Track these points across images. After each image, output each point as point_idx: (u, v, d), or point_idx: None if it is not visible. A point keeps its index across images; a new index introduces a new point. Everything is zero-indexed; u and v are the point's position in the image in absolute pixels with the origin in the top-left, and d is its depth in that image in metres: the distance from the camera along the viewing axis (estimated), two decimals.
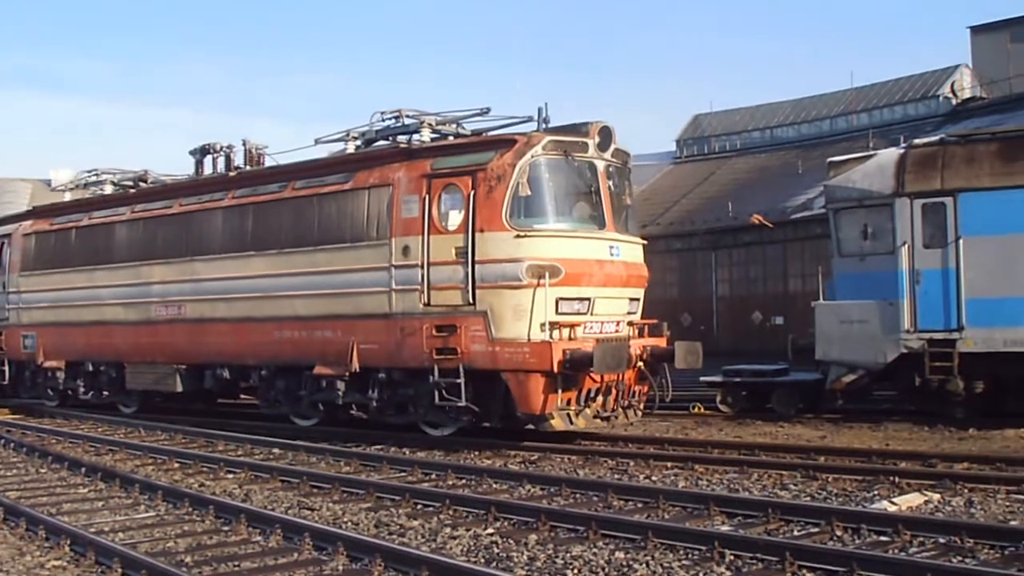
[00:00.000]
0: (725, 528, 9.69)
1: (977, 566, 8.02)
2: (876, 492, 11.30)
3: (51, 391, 22.77)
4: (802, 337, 19.18)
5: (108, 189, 22.23)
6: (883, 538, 9.03)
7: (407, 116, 17.10)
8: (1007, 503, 10.57)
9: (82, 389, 21.70)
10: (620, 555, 8.75)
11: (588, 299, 15.04)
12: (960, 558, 8.33)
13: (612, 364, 14.39)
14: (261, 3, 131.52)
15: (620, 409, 15.45)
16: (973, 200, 15.65)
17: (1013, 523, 9.64)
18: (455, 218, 15.17)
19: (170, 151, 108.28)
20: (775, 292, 37.94)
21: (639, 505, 10.89)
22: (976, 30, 54.72)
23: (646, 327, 16.14)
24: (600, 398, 15.17)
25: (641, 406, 15.99)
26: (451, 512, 10.70)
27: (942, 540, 8.80)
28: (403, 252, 15.50)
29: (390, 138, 17.37)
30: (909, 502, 10.66)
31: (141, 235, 20.08)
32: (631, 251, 15.85)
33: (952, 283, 16.34)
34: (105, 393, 21.38)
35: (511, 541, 9.32)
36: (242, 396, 22.33)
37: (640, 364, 15.32)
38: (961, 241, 16.27)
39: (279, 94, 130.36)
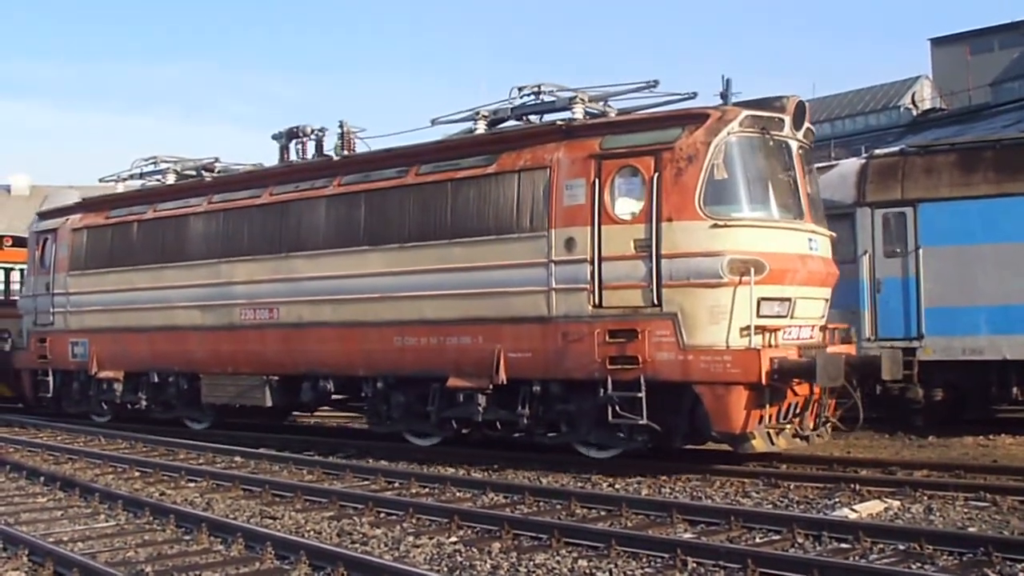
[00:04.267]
0: (688, 536, 9.76)
1: (936, 572, 8.17)
2: (837, 499, 11.37)
3: (104, 405, 20.32)
4: None
5: (171, 179, 19.89)
6: (844, 545, 9.13)
7: (547, 93, 14.97)
8: (965, 510, 10.71)
9: (144, 403, 19.30)
10: (583, 563, 8.75)
11: (789, 300, 12.98)
12: (919, 565, 8.43)
13: (835, 375, 12.35)
14: (223, 8, 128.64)
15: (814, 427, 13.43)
16: (932, 210, 15.39)
17: (971, 530, 9.76)
18: (633, 205, 13.06)
19: (129, 156, 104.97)
20: None
21: (602, 513, 10.87)
22: (936, 42, 55.79)
23: (836, 332, 14.08)
24: (798, 415, 13.13)
25: (829, 425, 13.90)
26: (414, 520, 10.63)
27: (902, 547, 8.92)
28: (565, 245, 13.36)
29: (523, 118, 15.26)
30: (869, 509, 10.75)
31: (222, 229, 17.74)
32: (825, 245, 13.81)
33: (912, 292, 16.56)
34: (173, 407, 19.05)
35: (474, 549, 9.29)
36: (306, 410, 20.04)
37: None
38: (921, 251, 16.48)
39: (239, 99, 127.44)
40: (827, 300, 13.84)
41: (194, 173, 19.88)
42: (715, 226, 12.53)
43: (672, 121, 13.13)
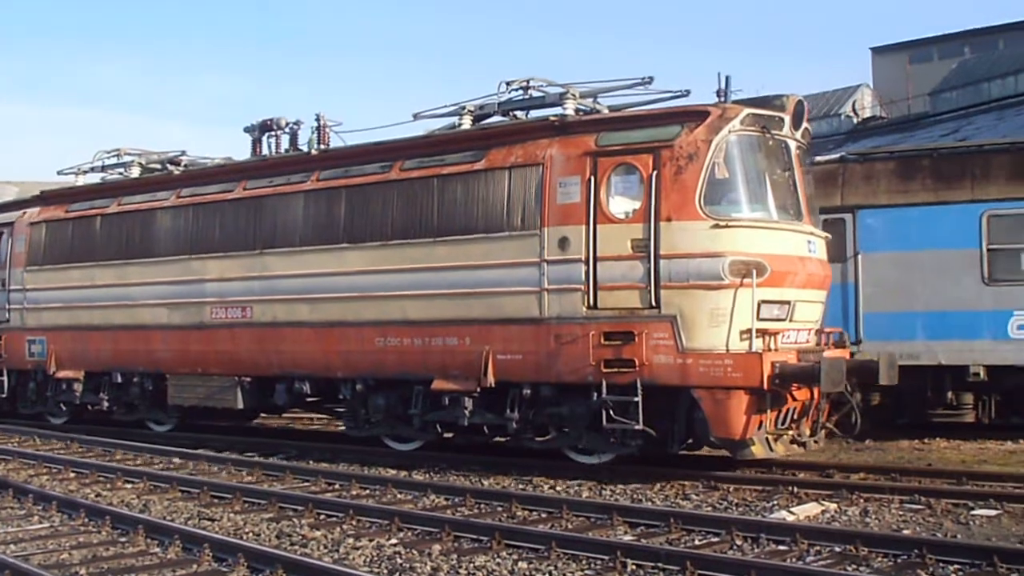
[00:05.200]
0: (628, 538, 9.80)
1: (871, 574, 8.31)
2: (775, 502, 11.45)
3: (64, 406, 19.51)
4: None
5: (136, 172, 19.18)
6: (781, 547, 9.22)
7: (536, 88, 14.55)
8: (900, 512, 10.84)
9: (105, 404, 18.55)
10: (523, 565, 8.78)
11: (789, 302, 12.70)
12: (855, 566, 8.52)
13: (837, 380, 12.11)
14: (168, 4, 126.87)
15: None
16: (871, 217, 15.39)
17: (906, 532, 9.86)
18: (630, 204, 12.72)
19: (74, 153, 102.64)
20: None
21: (543, 515, 10.89)
22: (877, 51, 56.49)
23: (831, 336, 13.83)
24: (796, 420, 12.86)
25: (824, 432, 13.63)
26: (354, 522, 10.59)
27: (838, 549, 9.04)
28: (559, 245, 12.97)
29: (510, 114, 14.83)
30: (807, 512, 10.86)
31: (191, 224, 17.07)
32: (822, 247, 13.56)
33: (851, 298, 16.56)
34: (136, 408, 18.34)
35: (414, 551, 9.27)
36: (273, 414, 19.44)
37: None
38: (859, 257, 16.49)
39: (189, 97, 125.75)
40: (823, 303, 13.59)
41: (159, 166, 19.17)
42: (716, 226, 12.21)
43: (671, 118, 12.79)
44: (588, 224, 12.76)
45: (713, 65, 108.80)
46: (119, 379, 18.16)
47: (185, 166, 18.85)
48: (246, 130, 17.50)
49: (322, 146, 16.36)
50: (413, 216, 14.36)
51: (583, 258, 12.77)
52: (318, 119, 16.60)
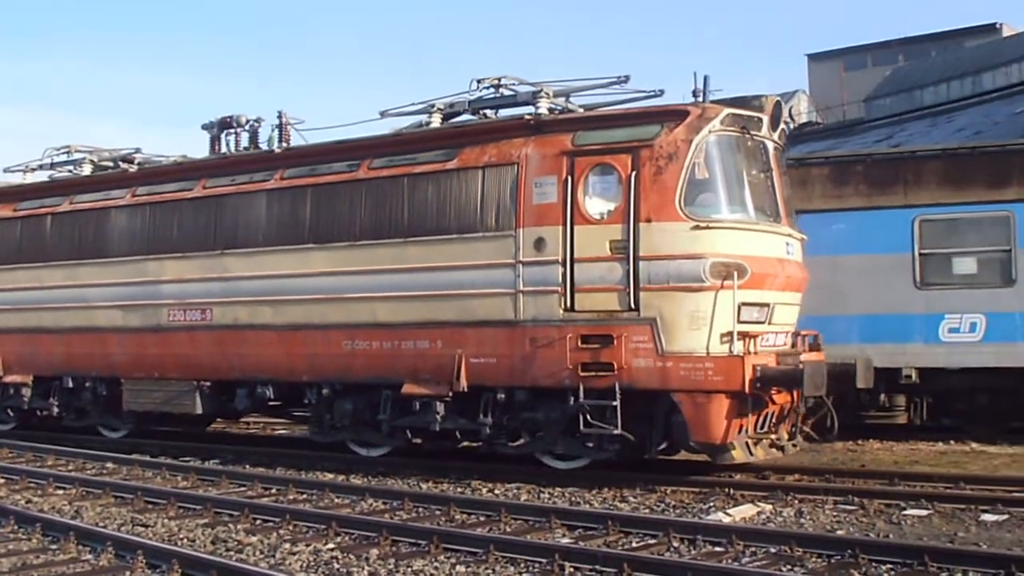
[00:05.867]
0: (565, 541, 9.83)
1: (805, 574, 8.39)
2: (712, 504, 11.51)
3: (10, 411, 18.81)
4: None
5: (87, 170, 18.56)
6: (718, 548, 9.29)
7: (508, 87, 14.26)
8: (835, 513, 10.97)
9: (56, 409, 17.90)
10: (461, 568, 8.80)
11: (768, 305, 12.57)
12: (790, 567, 8.61)
13: (820, 384, 11.98)
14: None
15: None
16: (806, 221, 15.20)
17: (839, 532, 9.98)
18: (608, 205, 12.49)
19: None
20: None
21: (482, 519, 10.88)
22: (813, 58, 57.20)
23: (806, 339, 13.70)
24: (776, 425, 12.72)
25: (800, 435, 13.50)
26: (291, 527, 10.53)
27: (773, 550, 9.11)
28: (535, 246, 12.70)
29: (479, 112, 14.54)
30: (743, 513, 10.94)
31: (148, 223, 16.51)
32: (798, 249, 13.44)
33: None
34: (88, 414, 17.73)
35: (352, 556, 9.23)
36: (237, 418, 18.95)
37: None
38: None
39: (119, 96, 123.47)
40: (799, 305, 13.46)
41: (112, 164, 18.57)
42: (696, 227, 12.03)
43: (650, 118, 12.58)
44: (565, 225, 12.52)
45: (649, 69, 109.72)
46: (70, 384, 17.55)
47: (139, 164, 18.28)
48: (204, 127, 17.01)
49: (284, 144, 15.94)
50: (383, 216, 14.01)
51: (560, 259, 12.52)
52: (280, 116, 16.19)
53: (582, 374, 12.30)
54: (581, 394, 12.30)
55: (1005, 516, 10.55)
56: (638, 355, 12.08)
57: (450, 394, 13.29)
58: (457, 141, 13.78)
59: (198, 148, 16.98)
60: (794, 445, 13.12)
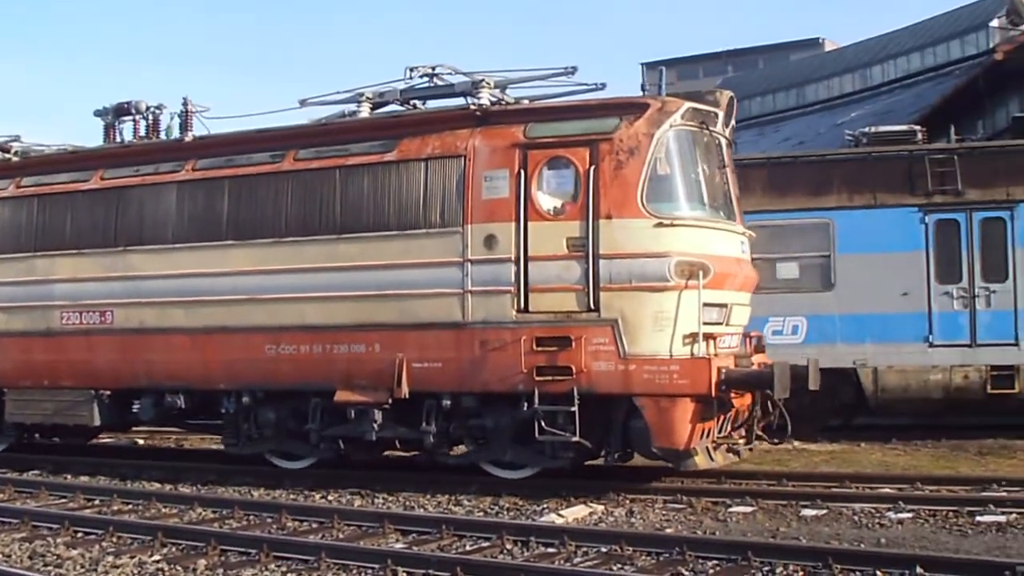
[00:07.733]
0: (399, 545, 9.80)
1: (635, 572, 8.57)
2: (545, 505, 11.55)
3: None
4: None
5: None
6: (551, 549, 9.40)
7: (445, 75, 13.51)
8: (664, 511, 11.22)
9: None
10: None
11: (726, 305, 12.21)
12: (620, 565, 8.76)
13: (787, 385, 11.65)
14: None
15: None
16: None
17: (668, 530, 10.24)
18: (564, 200, 11.88)
19: None
20: None
21: (314, 525, 10.77)
22: (648, 66, 58.85)
23: (752, 340, 13.39)
24: (732, 428, 12.35)
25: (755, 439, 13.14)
26: (115, 539, 10.22)
27: (604, 549, 9.28)
28: (484, 243, 12.01)
29: (409, 103, 13.74)
30: (575, 514, 11.06)
31: (36, 217, 15.04)
32: (749, 249, 13.13)
33: None
34: None
35: (178, 568, 9.05)
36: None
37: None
38: None
39: None
40: (750, 306, 13.17)
41: None
42: (660, 225, 11.56)
43: (608, 110, 12.04)
44: (518, 221, 11.88)
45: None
46: None
47: (18, 152, 16.70)
48: (97, 114, 15.63)
49: (190, 133, 14.74)
50: (312, 211, 13.07)
51: (512, 258, 11.87)
52: (185, 103, 14.96)
53: (537, 378, 11.67)
54: (536, 399, 11.66)
55: (824, 511, 10.94)
56: (598, 358, 11.52)
57: (389, 401, 12.45)
58: (395, 132, 12.95)
59: (81, 138, 15.53)
60: (749, 449, 12.80)
